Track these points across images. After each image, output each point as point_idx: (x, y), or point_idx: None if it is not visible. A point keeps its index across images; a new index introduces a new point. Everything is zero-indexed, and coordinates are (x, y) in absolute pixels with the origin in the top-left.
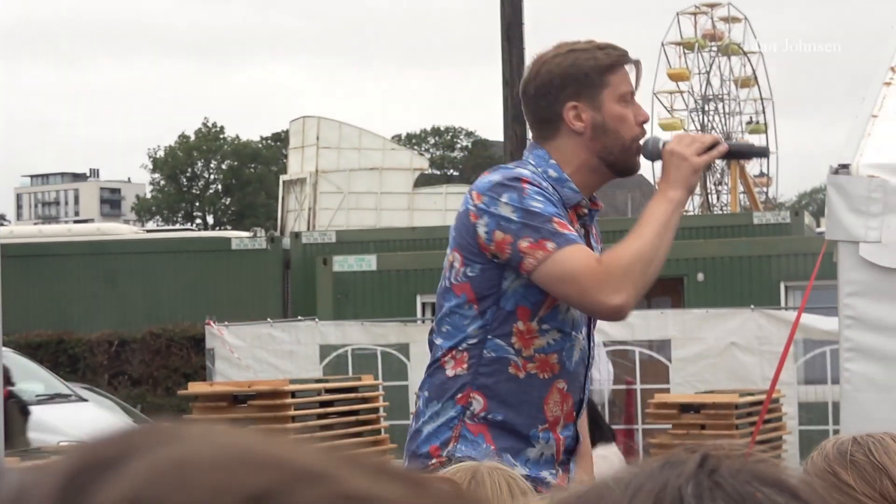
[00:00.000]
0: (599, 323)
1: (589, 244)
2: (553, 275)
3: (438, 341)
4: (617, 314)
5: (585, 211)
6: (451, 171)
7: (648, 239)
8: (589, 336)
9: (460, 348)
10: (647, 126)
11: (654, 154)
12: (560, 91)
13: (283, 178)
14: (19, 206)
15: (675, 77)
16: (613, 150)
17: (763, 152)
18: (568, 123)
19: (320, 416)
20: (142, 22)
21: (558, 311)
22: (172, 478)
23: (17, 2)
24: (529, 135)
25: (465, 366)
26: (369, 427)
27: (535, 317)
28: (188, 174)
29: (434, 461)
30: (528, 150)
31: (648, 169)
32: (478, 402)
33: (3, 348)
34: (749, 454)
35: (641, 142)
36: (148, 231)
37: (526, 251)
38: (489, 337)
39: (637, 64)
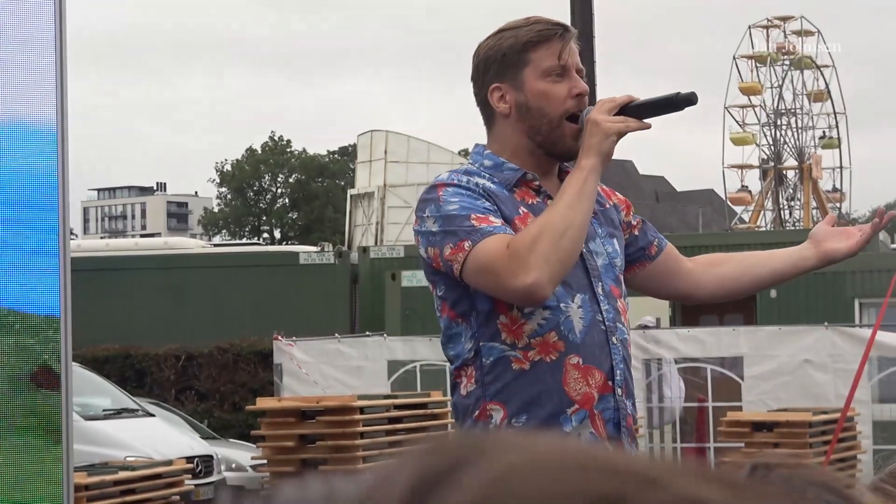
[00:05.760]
0: (669, 339)
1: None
2: (473, 271)
3: (449, 367)
4: (531, 295)
5: (537, 184)
6: None
7: (557, 210)
8: (595, 298)
9: (464, 365)
10: (585, 99)
11: (583, 124)
12: (483, 74)
13: (350, 192)
14: (86, 220)
15: (747, 91)
16: (541, 129)
17: (689, 98)
18: (493, 106)
19: (388, 433)
20: (207, 36)
21: None
22: (519, 480)
23: (86, 14)
24: None
25: (472, 380)
26: None
27: (514, 305)
28: (255, 188)
29: None
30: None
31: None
32: (497, 412)
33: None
34: (803, 464)
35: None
36: (215, 245)
37: (450, 258)
38: (481, 343)
39: (565, 36)
